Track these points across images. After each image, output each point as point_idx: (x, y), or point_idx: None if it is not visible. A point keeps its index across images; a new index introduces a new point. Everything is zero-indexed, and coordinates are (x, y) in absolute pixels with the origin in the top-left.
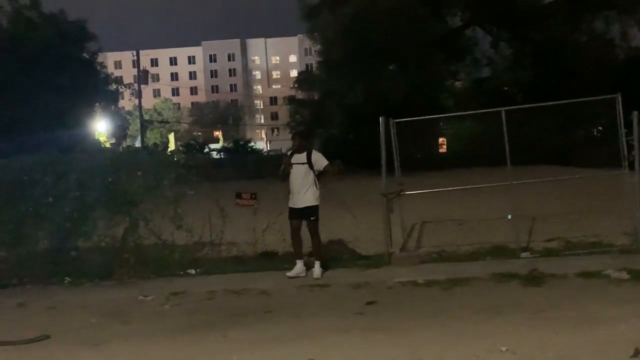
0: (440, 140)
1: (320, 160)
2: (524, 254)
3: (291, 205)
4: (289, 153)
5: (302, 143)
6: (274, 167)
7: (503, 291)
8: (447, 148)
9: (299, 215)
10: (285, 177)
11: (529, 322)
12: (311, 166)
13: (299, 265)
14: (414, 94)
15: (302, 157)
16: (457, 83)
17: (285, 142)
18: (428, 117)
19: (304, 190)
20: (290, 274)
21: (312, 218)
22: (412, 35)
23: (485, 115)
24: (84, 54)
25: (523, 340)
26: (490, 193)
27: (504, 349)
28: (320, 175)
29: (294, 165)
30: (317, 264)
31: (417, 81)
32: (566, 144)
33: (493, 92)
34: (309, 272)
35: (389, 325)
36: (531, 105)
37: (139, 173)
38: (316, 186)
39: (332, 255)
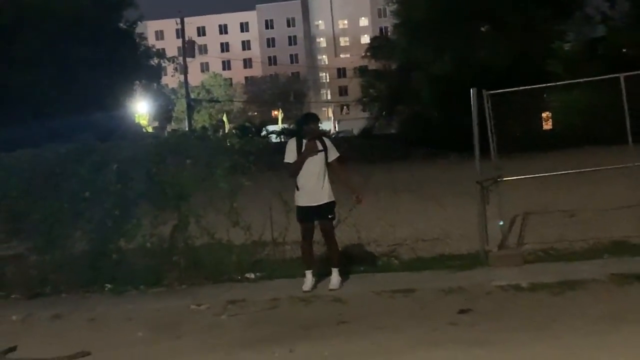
0: (545, 114)
1: (333, 150)
2: None
3: (305, 203)
4: (297, 140)
5: (318, 126)
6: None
7: (626, 295)
8: (553, 124)
9: (316, 215)
10: (298, 170)
11: None
12: (327, 155)
13: (310, 277)
14: (516, 61)
15: (317, 144)
16: (565, 45)
17: (356, 122)
18: (528, 87)
19: (320, 184)
20: (305, 287)
21: (330, 216)
22: None
23: (600, 82)
24: (121, 24)
25: None
26: (608, 177)
27: None
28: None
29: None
30: (335, 272)
31: (518, 45)
32: None
33: (610, 56)
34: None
35: (487, 337)
36: None
37: (188, 162)
38: (329, 180)
39: (418, 256)
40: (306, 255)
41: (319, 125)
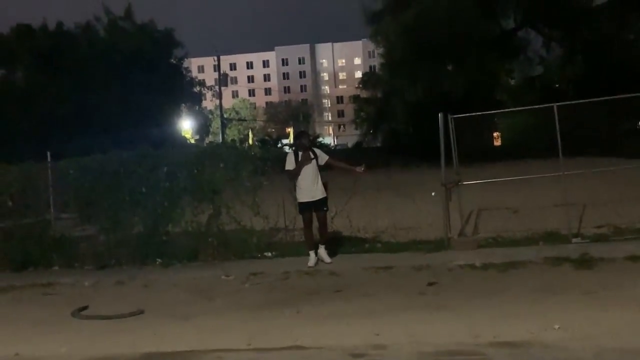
0: (496, 133)
1: (322, 155)
2: (575, 240)
3: (305, 199)
4: (293, 151)
5: (309, 141)
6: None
7: (556, 273)
8: (501, 141)
9: (313, 207)
10: (296, 175)
11: (580, 301)
12: (317, 162)
13: (313, 256)
14: (472, 91)
15: (309, 154)
16: (511, 80)
17: (350, 137)
18: (484, 112)
19: (315, 184)
20: (310, 263)
21: (325, 209)
22: (469, 35)
23: (538, 110)
24: (172, 60)
25: (574, 318)
26: (543, 183)
27: (556, 326)
28: (321, 168)
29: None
30: (322, 248)
31: (474, 78)
32: (615, 137)
33: (545, 88)
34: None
35: (448, 304)
36: (581, 100)
37: (221, 165)
38: (320, 180)
39: (396, 240)
40: (308, 239)
41: (309, 139)
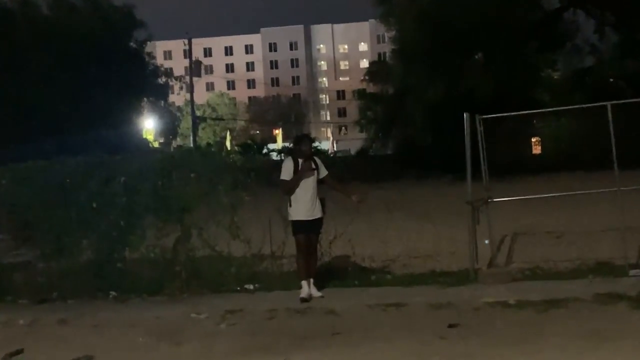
0: (534, 139)
1: (323, 168)
2: (633, 272)
3: (302, 217)
4: (292, 158)
5: (311, 148)
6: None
7: (608, 315)
8: (542, 149)
9: (311, 228)
10: (293, 188)
11: (639, 350)
12: (318, 173)
13: (306, 288)
14: (504, 88)
15: (311, 163)
16: (554, 75)
17: (353, 142)
18: (521, 112)
19: (314, 200)
20: (304, 294)
21: (320, 231)
22: (501, 20)
23: (587, 110)
24: (131, 43)
25: None
26: (594, 201)
27: None
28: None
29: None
30: (311, 282)
31: (507, 73)
32: None
33: (597, 85)
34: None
35: (475, 351)
36: None
37: (192, 176)
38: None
39: (409, 271)
40: (301, 267)
41: (312, 146)
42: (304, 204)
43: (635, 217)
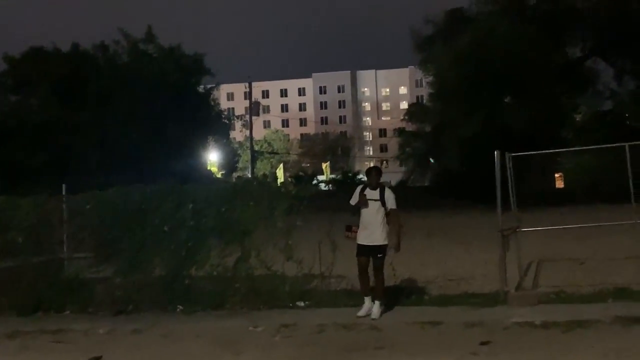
0: (558, 174)
1: (391, 200)
2: None
3: (361, 242)
4: (362, 187)
5: (379, 179)
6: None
7: (628, 336)
8: (564, 183)
9: (368, 252)
10: (356, 211)
11: None
12: (384, 204)
13: (368, 303)
14: (533, 126)
15: (376, 193)
16: (576, 116)
17: (394, 175)
18: (546, 151)
19: (375, 227)
20: (360, 313)
21: (379, 255)
22: (531, 64)
23: (608, 149)
24: (200, 89)
25: None
26: (614, 231)
27: None
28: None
29: (369, 202)
30: (377, 304)
31: (536, 112)
32: None
33: (616, 125)
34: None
35: None
36: None
37: (252, 203)
38: (386, 224)
39: (445, 292)
40: (362, 284)
41: (378, 178)
42: (363, 230)
43: None
